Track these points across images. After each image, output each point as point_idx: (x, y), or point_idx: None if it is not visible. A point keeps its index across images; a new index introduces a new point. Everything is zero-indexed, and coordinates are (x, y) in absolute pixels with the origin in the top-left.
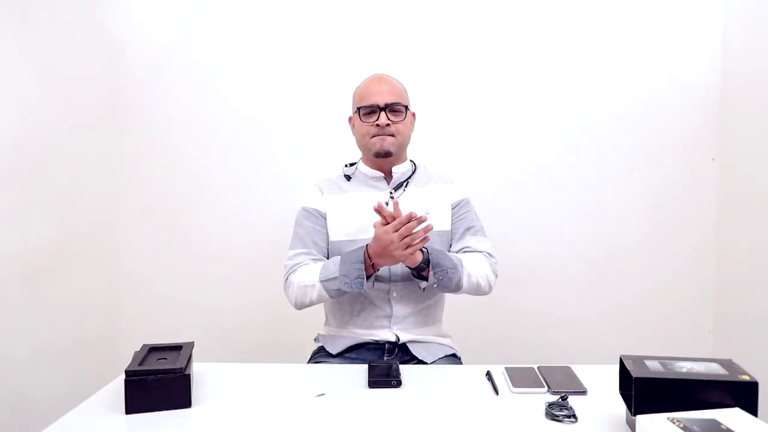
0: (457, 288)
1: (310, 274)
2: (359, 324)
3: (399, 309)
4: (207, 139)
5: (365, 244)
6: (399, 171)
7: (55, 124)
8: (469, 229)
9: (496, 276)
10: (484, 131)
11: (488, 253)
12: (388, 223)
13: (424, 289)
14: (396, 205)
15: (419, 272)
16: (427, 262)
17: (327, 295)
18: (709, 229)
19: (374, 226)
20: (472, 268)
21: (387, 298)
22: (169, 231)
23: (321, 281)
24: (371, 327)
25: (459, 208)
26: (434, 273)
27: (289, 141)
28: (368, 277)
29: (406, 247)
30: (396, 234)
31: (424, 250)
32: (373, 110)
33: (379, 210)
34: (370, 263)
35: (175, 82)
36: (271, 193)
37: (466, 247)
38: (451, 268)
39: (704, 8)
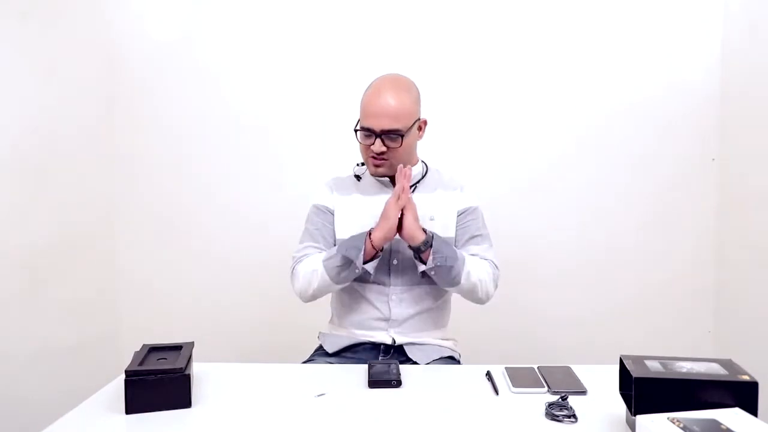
0: (455, 281)
1: (315, 259)
2: (357, 323)
3: (398, 312)
4: (207, 139)
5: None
6: None
7: (55, 123)
8: (473, 237)
9: (496, 287)
10: (483, 132)
11: (493, 263)
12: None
13: (422, 273)
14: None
15: (419, 254)
16: (427, 244)
17: (329, 279)
18: (709, 229)
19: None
20: (474, 268)
21: (386, 300)
22: (169, 230)
23: (323, 261)
24: (369, 328)
25: (465, 215)
26: (433, 258)
27: (289, 141)
28: (372, 259)
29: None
30: (393, 197)
31: (428, 233)
32: (369, 134)
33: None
34: (370, 243)
35: (174, 83)
36: (271, 193)
37: (471, 254)
38: (451, 257)
39: (704, 8)
